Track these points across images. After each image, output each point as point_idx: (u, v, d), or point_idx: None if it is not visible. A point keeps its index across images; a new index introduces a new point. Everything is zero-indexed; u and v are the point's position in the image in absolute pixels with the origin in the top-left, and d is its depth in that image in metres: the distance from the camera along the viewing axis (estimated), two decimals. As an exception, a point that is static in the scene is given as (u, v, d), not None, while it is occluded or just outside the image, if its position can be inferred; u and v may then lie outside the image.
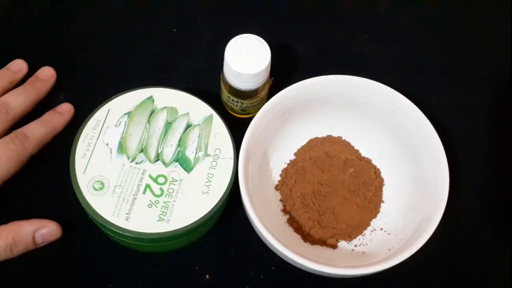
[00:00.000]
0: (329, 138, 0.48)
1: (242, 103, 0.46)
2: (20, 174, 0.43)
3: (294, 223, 0.44)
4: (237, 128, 0.43)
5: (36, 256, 0.42)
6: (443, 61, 0.54)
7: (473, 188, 0.48)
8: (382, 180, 0.47)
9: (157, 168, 0.40)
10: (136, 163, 0.40)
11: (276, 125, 0.45)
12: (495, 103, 0.52)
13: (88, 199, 0.38)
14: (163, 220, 0.38)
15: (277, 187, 0.46)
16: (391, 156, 0.46)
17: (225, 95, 0.47)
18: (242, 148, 0.40)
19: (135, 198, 0.39)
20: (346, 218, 0.44)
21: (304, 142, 0.48)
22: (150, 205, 0.39)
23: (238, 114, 0.49)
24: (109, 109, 0.42)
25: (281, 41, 0.54)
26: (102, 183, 0.39)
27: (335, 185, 0.45)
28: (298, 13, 0.56)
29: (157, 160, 0.40)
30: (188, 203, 0.39)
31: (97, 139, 0.41)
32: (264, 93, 0.46)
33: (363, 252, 0.43)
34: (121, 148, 0.40)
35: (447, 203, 0.39)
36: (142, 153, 0.40)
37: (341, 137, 0.48)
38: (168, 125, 0.42)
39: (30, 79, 0.48)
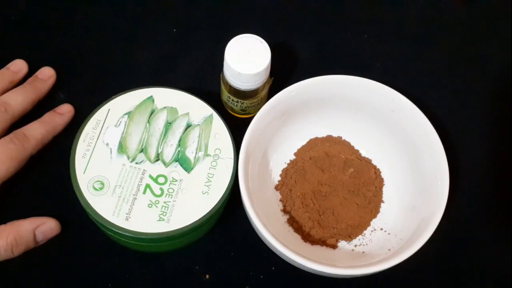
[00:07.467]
0: (329, 138, 0.48)
1: (242, 103, 0.46)
2: (20, 174, 0.43)
3: (294, 223, 0.44)
4: (237, 128, 0.43)
5: (36, 256, 0.42)
6: (443, 61, 0.54)
7: (473, 188, 0.48)
8: (382, 180, 0.47)
9: (157, 168, 0.40)
10: (136, 163, 0.40)
11: (276, 125, 0.45)
12: (495, 103, 0.52)
13: (88, 199, 0.38)
14: (163, 220, 0.38)
15: (277, 187, 0.46)
16: (391, 156, 0.46)
17: (225, 95, 0.47)
18: (242, 148, 0.40)
19: (135, 198, 0.39)
20: (346, 218, 0.44)
21: (304, 142, 0.48)
22: (150, 205, 0.39)
23: (238, 114, 0.49)
24: (109, 109, 0.42)
25: (281, 41, 0.54)
26: (102, 183, 0.39)
27: (335, 185, 0.45)
28: (298, 13, 0.56)
29: (157, 160, 0.40)
30: (188, 203, 0.39)
31: (97, 139, 0.41)
32: (264, 93, 0.46)
33: (363, 252, 0.43)
34: (121, 148, 0.40)
35: (447, 203, 0.39)
36: (142, 153, 0.40)
37: (341, 137, 0.48)
38: (168, 125, 0.42)
39: (29, 79, 0.48)
